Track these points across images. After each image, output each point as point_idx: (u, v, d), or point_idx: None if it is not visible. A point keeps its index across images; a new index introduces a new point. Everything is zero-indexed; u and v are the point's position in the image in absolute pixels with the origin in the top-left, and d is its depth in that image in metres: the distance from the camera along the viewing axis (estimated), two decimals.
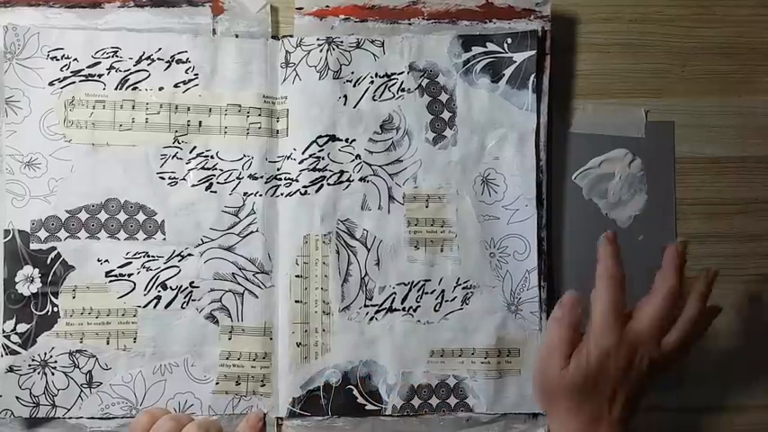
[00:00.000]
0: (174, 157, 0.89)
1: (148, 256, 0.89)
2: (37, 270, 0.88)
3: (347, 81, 0.91)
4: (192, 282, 0.89)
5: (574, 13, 0.94)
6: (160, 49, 0.90)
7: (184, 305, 0.89)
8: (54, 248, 0.88)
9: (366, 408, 0.90)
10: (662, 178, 0.93)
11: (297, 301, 0.89)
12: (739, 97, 0.94)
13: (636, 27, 0.94)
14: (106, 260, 0.88)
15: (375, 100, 0.91)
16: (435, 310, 0.90)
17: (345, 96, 0.91)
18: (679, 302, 0.80)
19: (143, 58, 0.89)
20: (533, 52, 0.91)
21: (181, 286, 0.89)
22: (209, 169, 0.90)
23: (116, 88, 0.89)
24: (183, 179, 0.90)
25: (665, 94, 0.94)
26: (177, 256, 0.89)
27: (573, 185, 0.93)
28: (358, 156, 0.91)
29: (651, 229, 0.93)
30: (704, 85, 0.94)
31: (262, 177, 0.90)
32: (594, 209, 0.93)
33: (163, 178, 0.89)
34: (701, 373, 0.93)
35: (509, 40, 0.91)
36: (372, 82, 0.91)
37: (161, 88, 0.89)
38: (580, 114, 0.93)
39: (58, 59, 0.88)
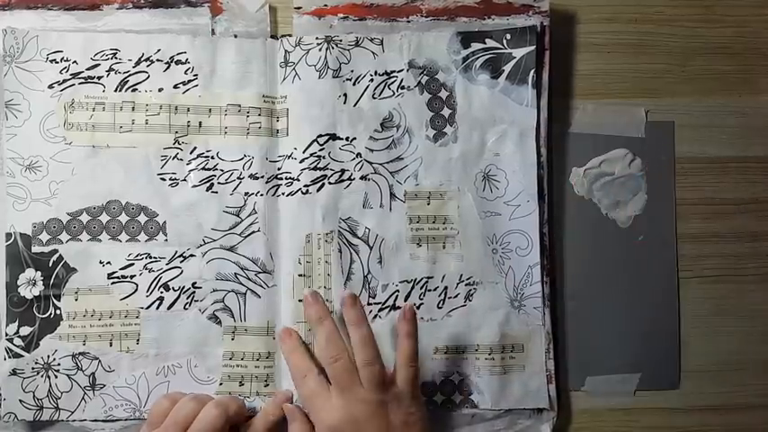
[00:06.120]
0: (174, 158, 0.89)
1: (150, 258, 0.89)
2: (39, 273, 0.87)
3: (347, 79, 0.91)
4: (195, 282, 0.89)
5: (573, 12, 0.94)
6: (159, 50, 0.89)
7: (187, 306, 0.89)
8: (56, 251, 0.88)
9: None
10: (662, 178, 0.94)
11: (300, 301, 0.89)
12: (740, 97, 0.95)
13: (636, 27, 0.94)
14: (108, 262, 0.88)
15: (375, 98, 0.91)
16: (438, 308, 0.91)
17: (345, 95, 0.91)
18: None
19: (142, 59, 0.89)
20: (533, 48, 0.91)
21: (183, 287, 0.89)
22: (209, 170, 0.89)
23: (116, 90, 0.89)
24: (184, 180, 0.89)
25: (665, 94, 0.95)
26: (179, 257, 0.89)
27: (573, 185, 0.93)
28: (359, 154, 0.91)
29: (651, 229, 0.93)
30: (704, 85, 0.95)
31: (262, 177, 0.90)
32: (594, 209, 0.93)
33: (164, 179, 0.89)
34: (701, 373, 0.94)
35: (508, 36, 0.91)
36: (372, 80, 0.91)
37: (160, 89, 0.89)
38: (580, 114, 0.94)
39: (57, 62, 0.88)
